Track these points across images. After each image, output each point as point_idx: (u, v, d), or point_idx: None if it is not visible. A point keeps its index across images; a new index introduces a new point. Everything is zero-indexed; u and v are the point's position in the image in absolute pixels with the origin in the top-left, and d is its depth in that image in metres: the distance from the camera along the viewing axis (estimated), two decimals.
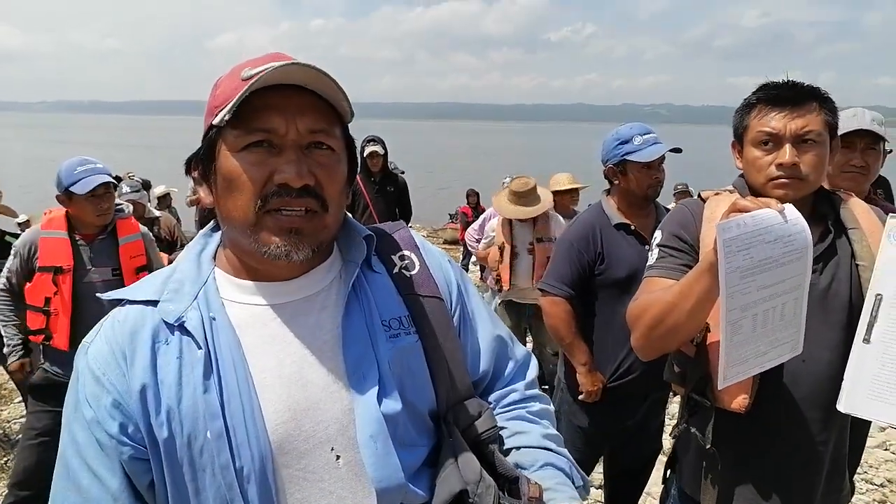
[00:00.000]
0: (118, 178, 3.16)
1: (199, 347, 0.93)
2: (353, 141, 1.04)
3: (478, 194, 12.06)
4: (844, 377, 1.45)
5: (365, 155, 5.50)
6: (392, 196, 5.73)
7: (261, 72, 0.89)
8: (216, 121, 0.92)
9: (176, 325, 0.94)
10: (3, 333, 3.13)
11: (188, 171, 1.01)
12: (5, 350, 3.14)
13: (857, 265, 1.58)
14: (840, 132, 2.46)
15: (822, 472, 1.61)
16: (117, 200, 3.15)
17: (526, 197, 4.62)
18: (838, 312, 1.57)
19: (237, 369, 0.93)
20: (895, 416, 1.39)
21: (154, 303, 0.97)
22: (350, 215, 1.10)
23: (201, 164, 0.98)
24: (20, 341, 3.11)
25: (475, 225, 6.42)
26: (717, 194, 1.71)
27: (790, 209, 1.32)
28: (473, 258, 9.12)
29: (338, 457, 0.95)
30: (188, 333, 0.93)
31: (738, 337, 1.33)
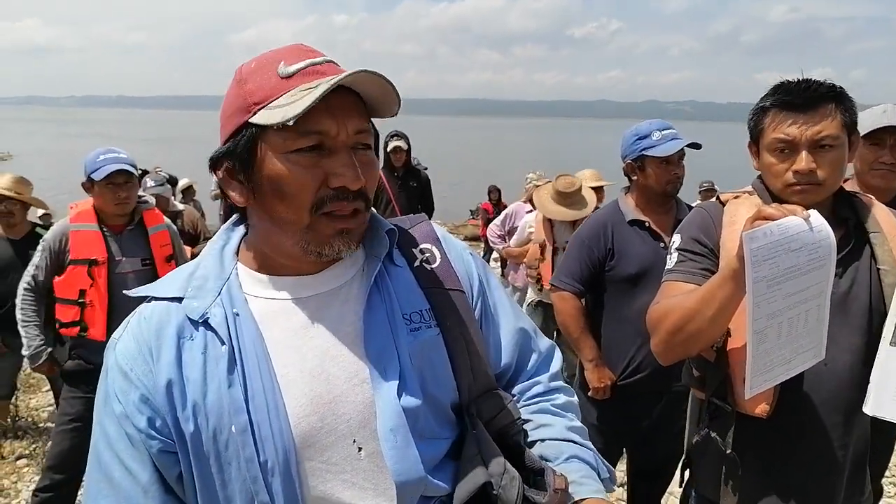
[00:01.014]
0: (144, 172, 3.19)
1: (223, 343, 0.94)
2: (378, 136, 1.04)
3: (499, 191, 12.01)
4: (871, 379, 1.45)
5: (388, 150, 5.50)
6: (415, 191, 5.73)
7: (302, 69, 0.89)
8: (262, 120, 0.90)
9: (200, 321, 0.95)
10: (23, 334, 3.11)
11: (212, 169, 0.99)
12: (25, 352, 3.14)
13: (878, 269, 1.56)
14: (870, 129, 2.43)
15: (844, 476, 1.59)
16: (140, 193, 3.18)
17: (571, 197, 4.46)
18: (859, 316, 1.56)
19: (261, 364, 0.94)
20: None
21: (179, 299, 0.98)
22: (374, 209, 1.11)
23: (236, 163, 0.95)
24: (42, 342, 3.11)
25: (497, 221, 6.39)
26: (736, 197, 1.69)
27: (815, 216, 1.31)
28: (495, 255, 9.09)
29: (360, 449, 0.96)
30: (212, 329, 0.95)
31: (763, 346, 1.33)
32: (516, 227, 6.11)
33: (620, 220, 2.73)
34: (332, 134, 0.91)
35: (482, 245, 10.81)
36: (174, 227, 3.38)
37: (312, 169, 0.91)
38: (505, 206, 8.00)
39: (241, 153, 0.94)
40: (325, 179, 0.91)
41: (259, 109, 0.91)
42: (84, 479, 1.01)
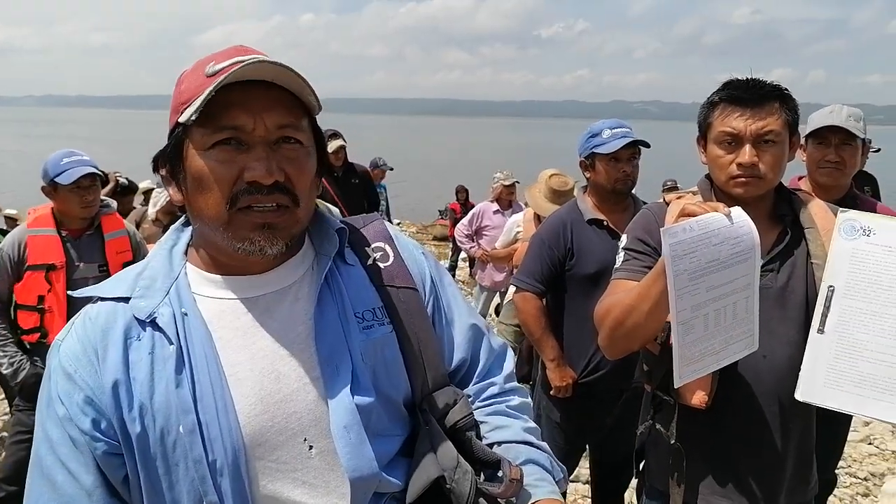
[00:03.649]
0: (105, 175, 3.12)
1: (171, 343, 0.93)
2: (322, 133, 1.04)
3: (467, 191, 12.03)
4: (802, 367, 1.51)
5: (331, 151, 5.28)
6: (358, 188, 5.61)
7: (225, 68, 0.89)
8: (183, 119, 0.91)
9: (147, 321, 0.94)
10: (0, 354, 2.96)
11: (155, 170, 1.00)
12: (4, 370, 2.98)
13: (812, 263, 1.62)
14: (815, 127, 2.51)
15: (787, 465, 1.64)
16: (144, 201, 3.08)
17: (565, 196, 4.48)
18: (796, 309, 1.62)
19: (209, 364, 0.94)
20: (850, 403, 1.45)
21: (126, 299, 0.97)
22: (322, 208, 1.11)
23: (169, 162, 0.97)
24: (19, 354, 2.96)
25: (464, 220, 6.40)
26: (679, 198, 1.74)
27: (737, 212, 1.37)
28: (463, 255, 9.10)
29: (310, 447, 0.96)
30: (160, 329, 0.94)
31: (690, 336, 1.38)
32: (484, 227, 6.13)
33: (579, 219, 2.77)
34: (248, 129, 0.91)
35: (451, 245, 10.81)
36: (137, 234, 3.31)
37: (228, 164, 0.91)
38: (473, 206, 8.02)
39: (171, 152, 0.96)
40: (241, 174, 0.91)
41: (185, 109, 0.91)
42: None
